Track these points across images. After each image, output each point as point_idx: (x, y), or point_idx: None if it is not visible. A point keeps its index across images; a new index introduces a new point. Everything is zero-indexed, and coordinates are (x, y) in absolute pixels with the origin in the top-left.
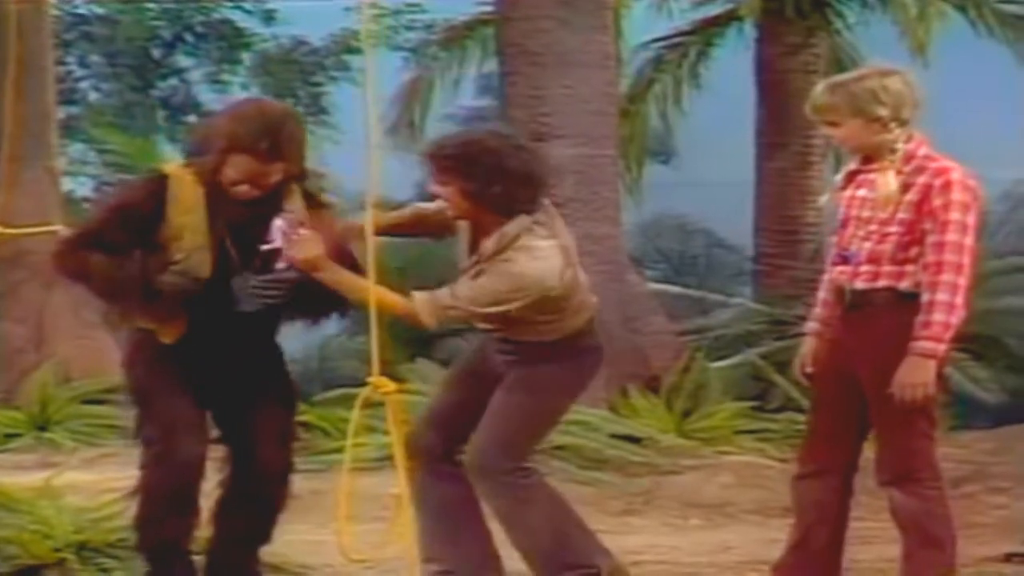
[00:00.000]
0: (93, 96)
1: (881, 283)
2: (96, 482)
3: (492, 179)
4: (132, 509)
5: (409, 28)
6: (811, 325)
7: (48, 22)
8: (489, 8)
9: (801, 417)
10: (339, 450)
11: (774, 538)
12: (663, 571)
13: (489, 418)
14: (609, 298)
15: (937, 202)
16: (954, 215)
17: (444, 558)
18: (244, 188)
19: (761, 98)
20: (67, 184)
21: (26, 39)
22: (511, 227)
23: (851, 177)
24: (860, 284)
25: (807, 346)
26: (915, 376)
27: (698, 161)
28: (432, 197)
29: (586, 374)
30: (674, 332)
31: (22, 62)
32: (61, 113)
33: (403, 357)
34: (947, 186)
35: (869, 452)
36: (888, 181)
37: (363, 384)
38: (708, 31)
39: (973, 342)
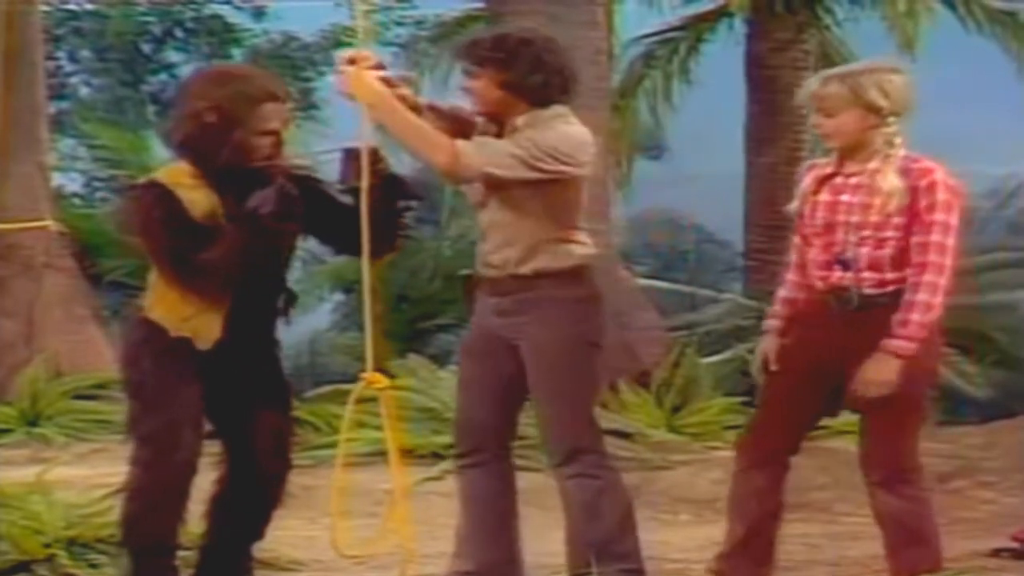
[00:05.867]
0: (83, 91)
1: (891, 288)
2: (87, 477)
3: (530, 69)
4: (122, 506)
5: (399, 24)
6: (772, 323)
7: (38, 17)
8: (479, 4)
9: None
10: (329, 445)
11: None
12: (652, 567)
13: (552, 396)
14: None
15: (922, 203)
16: (938, 216)
17: (471, 557)
18: (269, 140)
19: (751, 93)
20: (57, 179)
21: (16, 34)
22: (545, 111)
23: (824, 180)
24: (868, 289)
25: (769, 344)
26: (879, 373)
27: (688, 156)
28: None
29: (602, 314)
30: (664, 327)
31: (12, 57)
32: (51, 108)
33: (393, 352)
34: (931, 187)
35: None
36: (890, 178)
37: (355, 380)
38: (698, 27)
39: (961, 337)
